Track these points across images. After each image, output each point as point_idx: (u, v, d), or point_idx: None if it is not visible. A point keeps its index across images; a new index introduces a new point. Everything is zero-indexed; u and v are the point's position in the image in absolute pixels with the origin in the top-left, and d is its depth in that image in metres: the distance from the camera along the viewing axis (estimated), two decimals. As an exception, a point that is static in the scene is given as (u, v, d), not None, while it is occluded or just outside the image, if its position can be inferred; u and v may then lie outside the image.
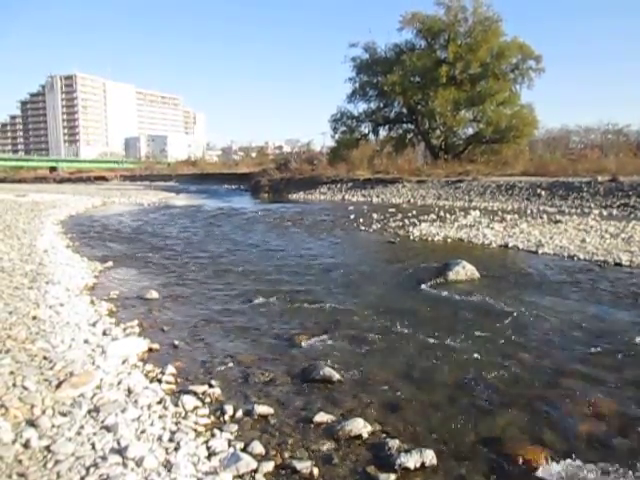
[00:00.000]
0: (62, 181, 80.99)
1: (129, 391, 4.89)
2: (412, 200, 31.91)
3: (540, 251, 12.90)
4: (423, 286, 9.43)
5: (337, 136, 45.73)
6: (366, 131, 45.72)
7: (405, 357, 6.01)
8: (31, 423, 4.17)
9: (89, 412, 4.42)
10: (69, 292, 8.64)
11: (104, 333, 6.55)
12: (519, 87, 40.09)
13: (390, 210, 24.63)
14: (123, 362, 5.63)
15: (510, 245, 13.87)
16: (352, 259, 12.94)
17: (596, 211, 21.83)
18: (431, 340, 6.51)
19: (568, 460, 3.96)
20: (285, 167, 48.70)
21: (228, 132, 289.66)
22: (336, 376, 5.35)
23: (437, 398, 5.01)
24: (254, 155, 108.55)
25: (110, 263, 11.79)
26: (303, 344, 6.41)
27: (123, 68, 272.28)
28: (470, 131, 42.16)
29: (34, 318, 6.90)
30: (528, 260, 12.17)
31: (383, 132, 46.22)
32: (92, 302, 8.19)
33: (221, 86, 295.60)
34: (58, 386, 4.80)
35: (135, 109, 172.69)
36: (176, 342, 6.45)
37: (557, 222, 18.24)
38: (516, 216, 20.66)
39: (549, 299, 8.60)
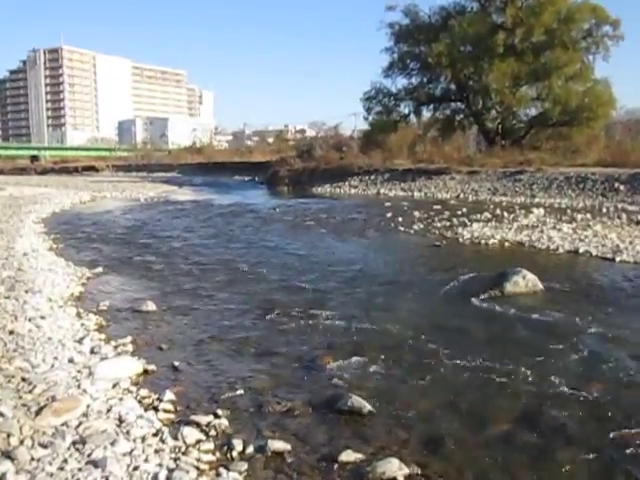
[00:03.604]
0: (45, 172, 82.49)
1: (120, 420, 4.96)
2: (462, 195, 31.66)
3: (618, 258, 12.69)
4: (474, 300, 9.37)
5: (371, 117, 45.67)
6: (406, 111, 45.62)
7: (451, 385, 5.97)
8: (7, 455, 4.25)
9: (74, 444, 4.49)
10: (52, 303, 8.81)
11: (92, 351, 6.66)
12: (592, 58, 39.52)
13: (435, 207, 24.51)
14: (114, 386, 5.71)
15: (581, 251, 13.67)
16: (388, 266, 12.91)
17: (689, 209, 21.38)
18: (482, 365, 6.45)
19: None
20: (308, 155, 48.80)
21: (240, 114, 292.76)
22: (367, 407, 5.35)
23: (488, 435, 4.97)
24: (271, 141, 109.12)
25: (100, 269, 11.98)
26: (327, 367, 6.42)
27: (117, 42, 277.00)
28: (533, 112, 41.69)
29: (11, 333, 7.05)
30: (603, 269, 11.98)
31: (427, 113, 46.08)
32: (78, 315, 8.35)
33: (232, 60, 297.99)
34: (38, 413, 4.89)
35: (130, 87, 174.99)
36: (176, 363, 6.53)
37: (639, 223, 17.93)
38: (588, 215, 20.35)
39: (628, 318, 8.45)
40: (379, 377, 6.18)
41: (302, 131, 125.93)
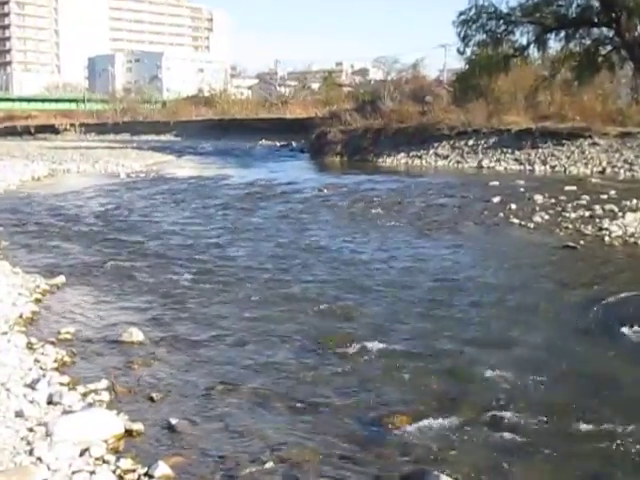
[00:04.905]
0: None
1: (92, 504, 5.02)
2: (609, 170, 31.29)
3: None
4: (627, 331, 9.23)
5: (469, 51, 45.13)
6: (524, 41, 44.94)
7: (591, 462, 5.87)
8: None
9: (23, 538, 4.57)
10: (-8, 328, 8.98)
11: (50, 401, 6.73)
12: None
13: (567, 188, 24.21)
14: (82, 452, 5.75)
15: None
16: (494, 278, 12.77)
17: None
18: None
19: None
20: (372, 109, 48.62)
21: (270, 46, 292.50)
22: (462, 493, 5.32)
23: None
24: (316, 87, 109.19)
25: (62, 278, 12.17)
26: (401, 431, 6.38)
27: None
28: None
29: None
30: None
31: (555, 43, 45.28)
32: (30, 346, 8.46)
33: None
34: (-28, 490, 4.98)
35: (107, 7, 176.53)
36: (173, 421, 6.56)
37: None
38: None
39: None
40: (481, 447, 6.12)
41: (363, 72, 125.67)
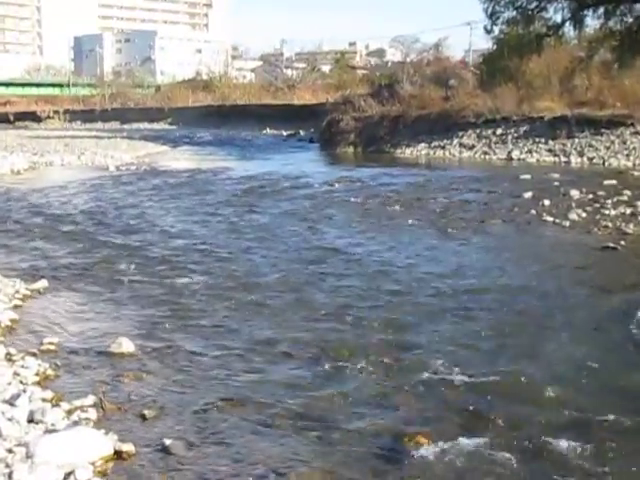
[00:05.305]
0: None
1: (77, 535, 5.02)
2: (654, 163, 31.14)
3: None
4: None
5: (497, 30, 45.10)
6: (558, 19, 44.90)
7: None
8: None
9: None
10: (-34, 337, 9.00)
11: (31, 419, 6.74)
12: None
13: (607, 182, 24.20)
14: (66, 476, 5.74)
15: None
16: (526, 283, 12.74)
17: None
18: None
19: None
20: (390, 93, 48.54)
21: (275, 25, 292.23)
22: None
23: None
24: (327, 69, 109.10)
25: (44, 282, 12.19)
26: (421, 452, 6.36)
27: None
28: None
29: None
30: None
31: (593, 21, 45.21)
32: (9, 358, 8.47)
33: None
34: (-56, 518, 5.00)
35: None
36: (168, 442, 6.55)
37: None
38: None
39: None
40: (510, 472, 6.11)
41: (379, 52, 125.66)
